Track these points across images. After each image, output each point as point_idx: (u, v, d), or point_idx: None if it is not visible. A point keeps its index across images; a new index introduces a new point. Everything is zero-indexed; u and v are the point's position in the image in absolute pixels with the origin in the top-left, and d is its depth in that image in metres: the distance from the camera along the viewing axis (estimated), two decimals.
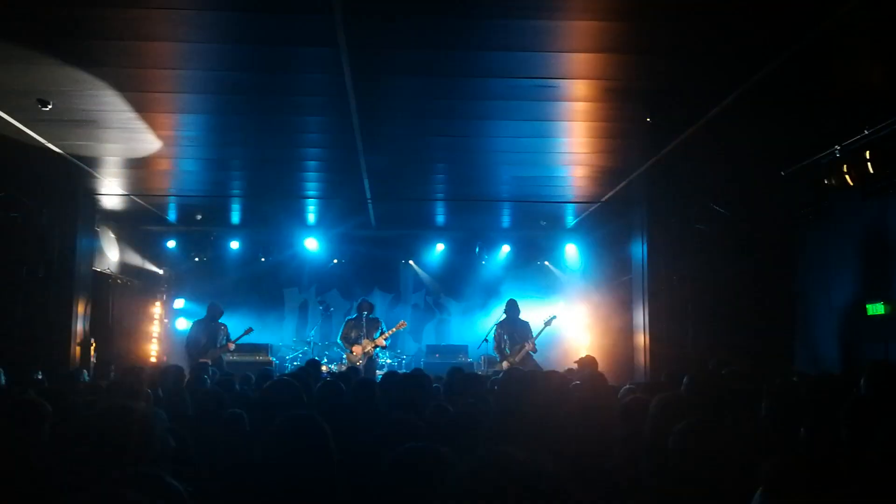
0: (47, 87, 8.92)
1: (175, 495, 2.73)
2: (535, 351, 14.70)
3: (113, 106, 9.71)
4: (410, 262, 20.43)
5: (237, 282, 19.70)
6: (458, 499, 2.29)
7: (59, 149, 11.28)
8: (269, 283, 20.34)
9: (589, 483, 4.54)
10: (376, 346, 15.79)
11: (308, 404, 6.36)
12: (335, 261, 19.95)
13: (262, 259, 19.68)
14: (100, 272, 15.84)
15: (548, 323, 15.46)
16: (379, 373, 15.50)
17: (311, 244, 19.04)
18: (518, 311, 15.20)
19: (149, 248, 18.83)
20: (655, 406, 4.69)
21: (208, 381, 9.62)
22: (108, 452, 3.47)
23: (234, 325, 16.04)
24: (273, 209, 16.94)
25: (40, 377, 10.60)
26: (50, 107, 9.22)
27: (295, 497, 3.81)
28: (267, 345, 17.74)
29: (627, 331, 15.63)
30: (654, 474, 4.35)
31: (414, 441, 3.71)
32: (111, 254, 16.73)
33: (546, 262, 19.75)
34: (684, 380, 6.79)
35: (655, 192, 14.06)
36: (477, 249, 19.57)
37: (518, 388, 7.01)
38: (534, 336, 14.87)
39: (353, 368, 13.07)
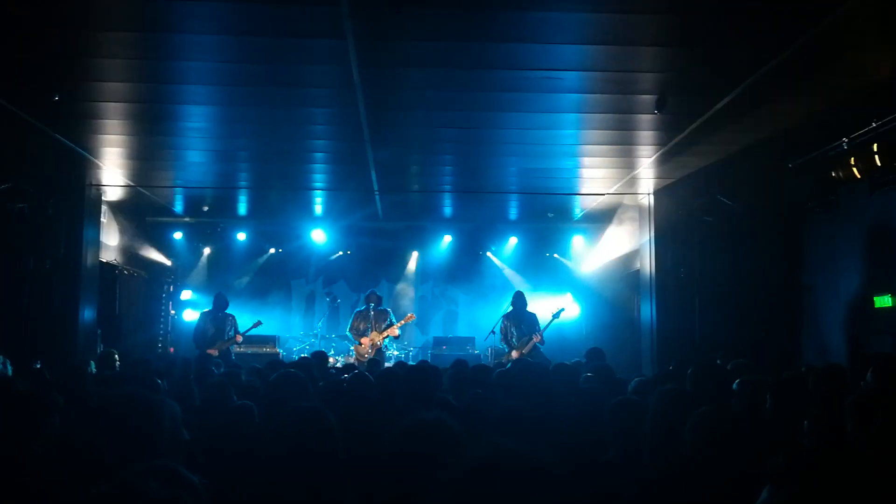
0: (55, 79, 8.93)
1: (193, 488, 2.73)
2: (542, 343, 14.69)
3: (120, 97, 9.74)
4: (415, 252, 20.52)
5: (244, 273, 19.77)
6: (459, 492, 2.29)
7: (67, 140, 11.29)
8: (276, 275, 20.38)
9: (584, 475, 4.55)
10: (385, 337, 15.80)
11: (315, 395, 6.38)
12: (340, 252, 19.98)
13: (273, 251, 19.82)
14: (106, 263, 15.86)
15: (556, 316, 15.45)
16: (387, 364, 15.52)
17: (319, 236, 19.05)
18: (525, 303, 15.16)
19: (155, 239, 18.85)
20: (657, 399, 4.70)
21: (216, 372, 9.63)
22: (120, 442, 3.48)
23: (242, 316, 16.06)
24: (280, 200, 16.96)
25: (38, 366, 10.62)
26: (57, 98, 9.23)
27: (302, 488, 3.82)
28: (274, 336, 17.77)
29: (634, 323, 15.63)
30: (656, 466, 4.35)
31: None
32: (117, 245, 16.74)
33: (555, 255, 19.76)
34: (688, 372, 6.79)
35: (663, 183, 14.05)
36: (480, 252, 19.81)
37: (523, 378, 7.04)
38: (541, 328, 14.84)
39: (373, 361, 13.07)
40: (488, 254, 20.21)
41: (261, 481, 3.95)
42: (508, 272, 19.99)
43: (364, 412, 5.76)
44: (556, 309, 15.64)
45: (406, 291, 20.89)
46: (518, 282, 18.89)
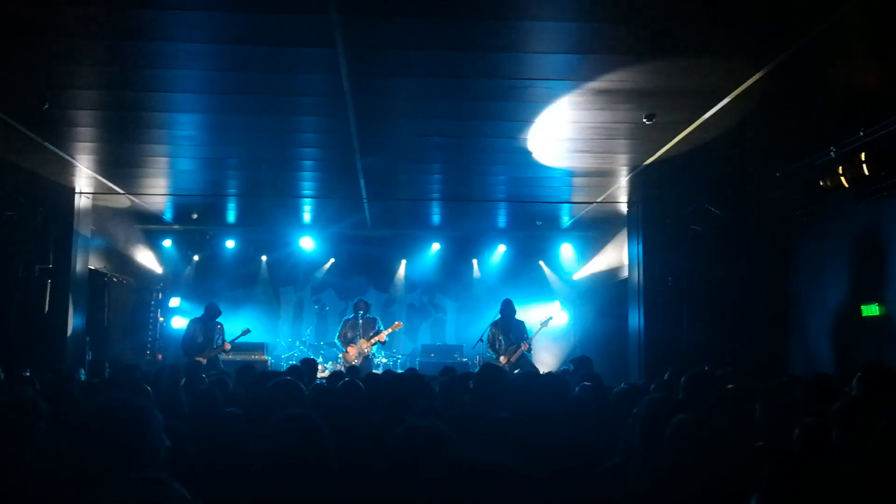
0: (44, 86, 8.93)
1: (185, 501, 2.71)
2: (530, 350, 14.68)
3: (110, 105, 9.74)
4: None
5: (233, 280, 19.74)
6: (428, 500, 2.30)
7: (56, 147, 11.28)
8: (264, 282, 20.37)
9: (579, 484, 4.56)
10: (373, 344, 15.79)
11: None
12: (332, 260, 20.00)
13: (265, 259, 19.89)
14: (95, 270, 15.83)
15: (544, 324, 15.46)
16: (376, 372, 15.49)
17: (307, 243, 19.06)
18: (513, 311, 15.15)
19: (144, 246, 18.83)
20: (645, 406, 4.71)
21: (206, 379, 9.59)
22: (107, 449, 3.47)
23: (230, 324, 16.02)
24: (269, 208, 16.96)
25: (27, 374, 10.58)
26: (46, 105, 9.22)
27: (293, 495, 3.82)
28: (263, 344, 17.74)
29: (622, 331, 15.65)
30: (644, 474, 4.36)
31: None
32: (106, 252, 16.71)
33: (541, 262, 19.80)
34: (682, 381, 6.81)
35: (651, 192, 14.09)
36: (468, 260, 19.91)
37: (493, 385, 7.03)
38: (529, 336, 14.85)
39: (352, 369, 13.03)
40: (475, 262, 20.26)
41: (251, 489, 3.95)
42: (496, 280, 19.99)
43: (352, 419, 5.76)
44: (544, 317, 15.65)
45: (394, 299, 20.88)
46: (506, 290, 18.87)
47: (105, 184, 13.75)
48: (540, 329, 15.34)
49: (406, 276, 20.67)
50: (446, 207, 16.82)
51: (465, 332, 19.62)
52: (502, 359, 14.48)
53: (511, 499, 2.25)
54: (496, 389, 6.81)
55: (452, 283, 20.58)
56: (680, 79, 8.52)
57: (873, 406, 4.54)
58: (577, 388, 7.66)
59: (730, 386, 6.50)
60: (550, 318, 15.70)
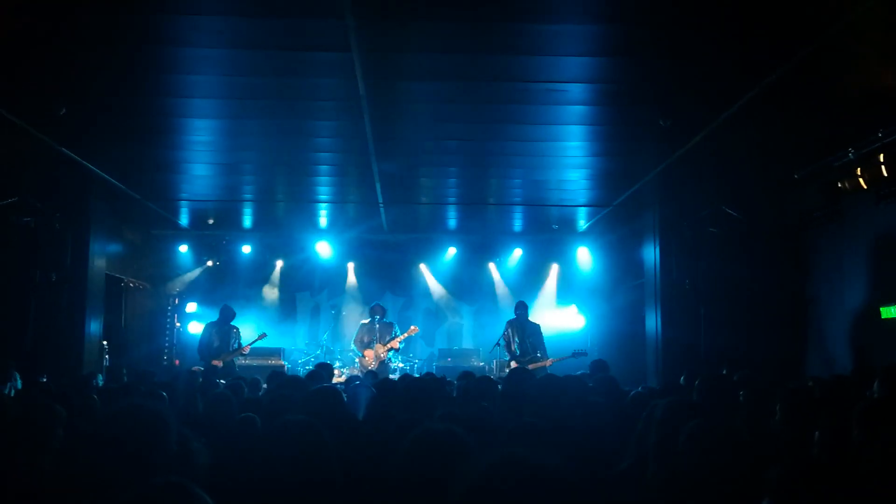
0: (60, 92, 8.95)
1: None
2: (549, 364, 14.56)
3: (126, 110, 9.75)
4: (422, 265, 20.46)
5: (249, 285, 19.76)
6: (472, 499, 2.29)
7: (73, 153, 11.31)
8: (281, 287, 20.37)
9: (600, 484, 4.54)
10: (390, 349, 15.78)
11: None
12: (351, 264, 20.00)
13: (281, 264, 19.89)
14: (112, 276, 15.87)
15: (576, 355, 14.97)
16: (392, 377, 15.47)
17: (323, 248, 19.07)
18: (527, 313, 15.12)
19: (161, 251, 18.89)
20: (662, 410, 4.69)
21: (221, 384, 9.60)
22: (125, 455, 3.46)
23: (247, 329, 16.03)
24: (285, 213, 16.97)
25: (44, 380, 10.63)
26: (63, 111, 9.24)
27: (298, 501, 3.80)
28: (279, 348, 17.74)
29: (639, 335, 15.59)
30: (660, 477, 4.35)
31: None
32: (123, 258, 16.75)
33: (555, 266, 19.75)
34: (696, 383, 6.78)
35: (667, 195, 14.04)
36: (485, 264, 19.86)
37: (522, 387, 7.01)
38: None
39: (369, 374, 13.03)
40: (491, 266, 20.21)
41: (259, 495, 3.93)
42: (512, 283, 19.95)
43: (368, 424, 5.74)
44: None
45: (410, 303, 20.84)
46: (522, 293, 18.81)
47: (121, 189, 13.78)
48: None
49: (425, 281, 20.61)
50: (463, 211, 16.79)
51: (481, 336, 19.60)
52: (513, 364, 14.38)
53: (551, 496, 2.24)
54: (523, 394, 6.81)
55: (469, 287, 20.55)
56: (697, 81, 8.49)
57: (894, 408, 4.51)
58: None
59: (745, 389, 6.48)
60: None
